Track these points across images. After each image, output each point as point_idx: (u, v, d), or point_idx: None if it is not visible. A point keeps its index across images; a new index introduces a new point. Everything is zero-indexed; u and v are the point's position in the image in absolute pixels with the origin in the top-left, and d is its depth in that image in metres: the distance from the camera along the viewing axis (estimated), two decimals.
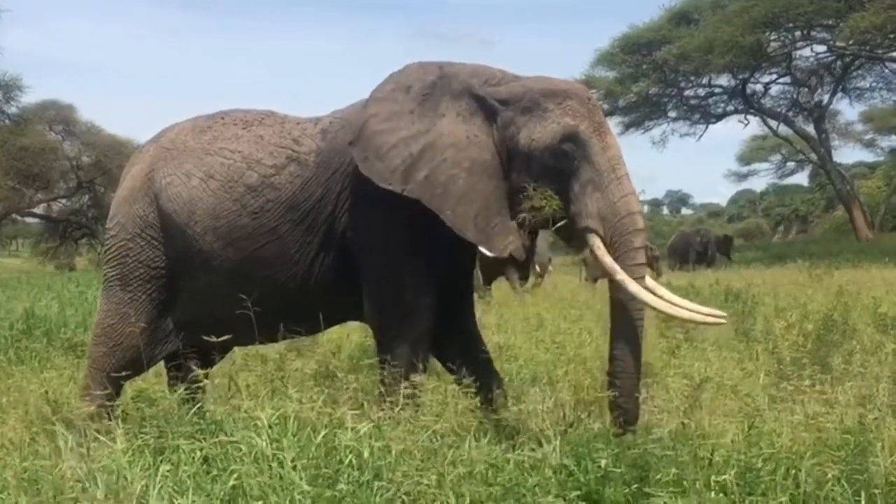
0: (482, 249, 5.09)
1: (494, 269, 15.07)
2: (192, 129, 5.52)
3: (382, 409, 4.41)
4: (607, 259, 4.72)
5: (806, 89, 41.79)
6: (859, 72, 40.85)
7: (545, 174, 4.85)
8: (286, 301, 5.16)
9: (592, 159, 4.79)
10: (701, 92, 42.73)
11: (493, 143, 4.97)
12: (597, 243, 4.76)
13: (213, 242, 5.19)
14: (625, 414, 4.61)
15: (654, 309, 4.75)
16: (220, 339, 4.90)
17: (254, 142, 5.28)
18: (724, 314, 4.90)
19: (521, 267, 15.42)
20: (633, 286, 4.65)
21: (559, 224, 4.87)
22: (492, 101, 4.98)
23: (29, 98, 40.98)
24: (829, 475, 3.81)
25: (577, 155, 4.80)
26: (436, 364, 5.49)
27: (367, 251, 5.08)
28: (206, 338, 5.01)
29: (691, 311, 4.84)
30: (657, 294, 4.78)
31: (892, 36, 34.15)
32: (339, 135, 5.20)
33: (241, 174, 5.19)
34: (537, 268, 16.37)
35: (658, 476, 3.81)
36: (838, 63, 39.92)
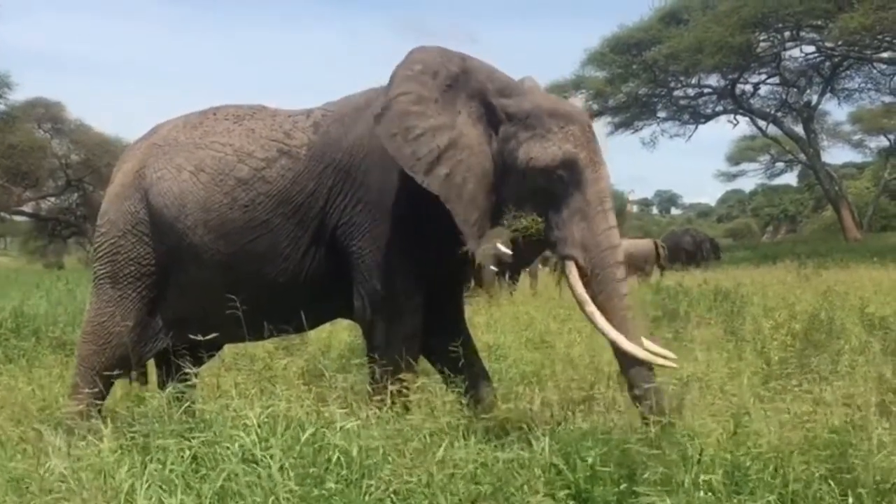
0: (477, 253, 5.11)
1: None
2: (183, 125, 5.51)
3: (371, 408, 4.41)
4: (579, 289, 4.75)
5: (795, 90, 41.99)
6: (848, 72, 41.03)
7: (535, 193, 4.85)
8: (276, 297, 5.15)
9: (584, 189, 4.80)
10: (690, 92, 42.87)
11: (491, 152, 4.97)
12: (573, 272, 4.79)
13: (204, 236, 5.18)
14: (649, 402, 4.57)
15: (613, 343, 4.70)
16: (207, 338, 4.90)
17: (245, 135, 5.27)
18: (675, 357, 4.89)
19: (515, 270, 15.52)
20: (599, 320, 4.68)
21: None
22: (499, 112, 4.96)
23: (17, 95, 40.95)
24: (817, 474, 3.83)
25: (570, 182, 4.81)
26: (425, 363, 5.49)
27: (358, 248, 5.07)
28: (192, 336, 5.02)
29: (647, 351, 4.76)
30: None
31: (880, 37, 34.30)
32: (331, 128, 5.19)
33: (231, 167, 5.18)
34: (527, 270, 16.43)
35: (646, 475, 3.81)
36: (827, 64, 40.09)
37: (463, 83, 5.03)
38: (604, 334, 4.69)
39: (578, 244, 4.79)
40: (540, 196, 4.85)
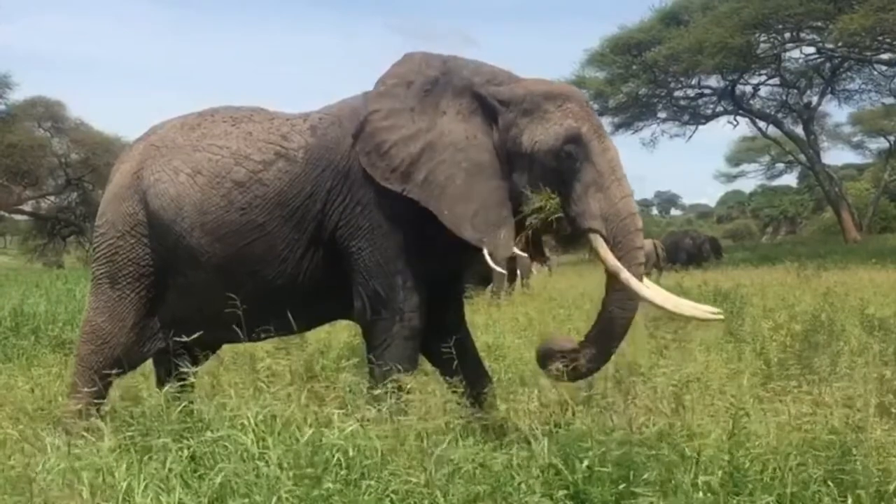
0: (485, 253, 5.13)
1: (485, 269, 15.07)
2: (181, 127, 5.50)
3: (370, 408, 4.41)
4: (611, 258, 4.78)
5: (795, 91, 41.99)
6: (848, 74, 41.02)
7: (546, 176, 4.88)
8: (274, 299, 5.14)
9: (594, 160, 4.85)
10: (691, 93, 42.87)
11: (492, 143, 4.98)
12: (601, 243, 4.82)
13: (201, 238, 5.17)
14: (578, 368, 4.80)
15: (654, 305, 4.85)
16: (192, 338, 4.91)
17: (242, 138, 5.27)
18: (720, 311, 4.96)
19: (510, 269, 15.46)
20: (635, 283, 4.74)
21: (556, 225, 4.96)
22: (493, 102, 5.00)
23: (17, 95, 40.93)
24: (816, 476, 3.83)
25: (579, 156, 4.85)
26: (425, 363, 5.49)
27: (358, 250, 5.07)
28: (179, 339, 5.02)
29: (692, 308, 4.95)
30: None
31: (880, 38, 34.27)
32: (328, 131, 5.19)
33: (228, 170, 5.18)
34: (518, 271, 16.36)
35: (645, 475, 3.82)
36: (827, 65, 40.10)
37: (445, 83, 5.07)
38: (642, 298, 4.78)
39: (598, 215, 4.83)
40: (551, 177, 4.88)
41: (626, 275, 4.73)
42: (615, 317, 4.85)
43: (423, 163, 4.92)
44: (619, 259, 4.77)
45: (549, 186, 4.87)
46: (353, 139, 5.03)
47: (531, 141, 4.90)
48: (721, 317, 5.00)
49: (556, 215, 4.88)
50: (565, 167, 4.86)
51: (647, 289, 4.83)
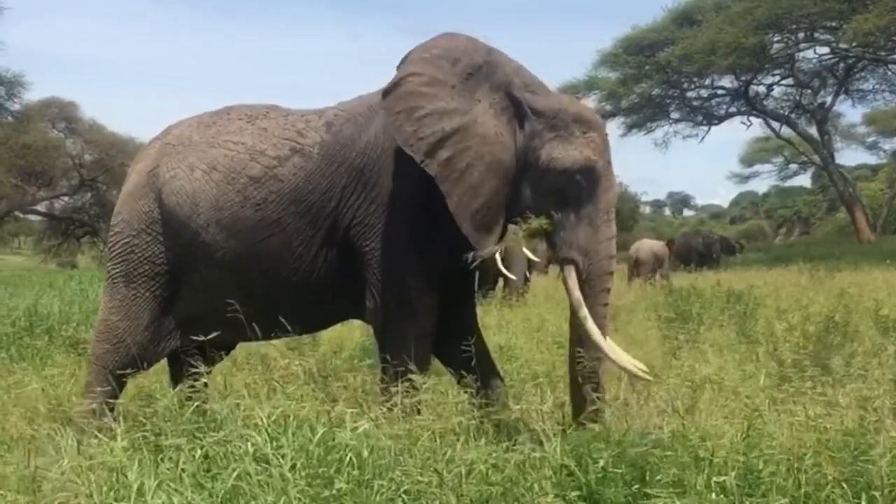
0: (497, 257, 5.15)
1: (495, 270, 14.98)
2: (197, 125, 5.52)
3: (382, 408, 4.41)
4: (576, 293, 4.87)
5: (809, 91, 41.75)
6: (862, 74, 40.75)
7: (551, 194, 4.93)
8: (288, 296, 5.15)
9: (596, 196, 4.92)
10: (704, 93, 42.66)
11: (514, 146, 4.99)
12: (573, 276, 4.91)
13: (216, 234, 5.18)
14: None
15: (601, 351, 4.85)
16: (209, 338, 4.91)
17: (257, 134, 5.28)
18: (648, 372, 4.98)
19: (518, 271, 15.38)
20: (590, 325, 4.81)
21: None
22: (526, 108, 5.00)
23: (31, 95, 41.04)
24: (830, 477, 3.81)
25: (586, 187, 4.90)
26: (437, 363, 5.49)
27: (371, 249, 5.08)
28: (195, 337, 5.02)
29: (628, 362, 4.92)
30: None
31: (895, 38, 34.09)
32: (344, 128, 5.20)
33: (244, 165, 5.18)
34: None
35: (658, 476, 3.81)
36: (841, 65, 39.87)
37: (487, 74, 5.05)
38: (592, 340, 4.81)
39: (582, 249, 4.90)
40: (553, 197, 4.92)
41: (584, 313, 4.83)
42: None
43: (452, 143, 4.89)
44: (587, 297, 4.87)
45: (549, 204, 4.93)
46: (382, 95, 4.99)
47: (549, 157, 4.92)
48: (649, 378, 4.99)
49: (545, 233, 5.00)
50: (571, 193, 4.91)
51: (599, 333, 4.84)
